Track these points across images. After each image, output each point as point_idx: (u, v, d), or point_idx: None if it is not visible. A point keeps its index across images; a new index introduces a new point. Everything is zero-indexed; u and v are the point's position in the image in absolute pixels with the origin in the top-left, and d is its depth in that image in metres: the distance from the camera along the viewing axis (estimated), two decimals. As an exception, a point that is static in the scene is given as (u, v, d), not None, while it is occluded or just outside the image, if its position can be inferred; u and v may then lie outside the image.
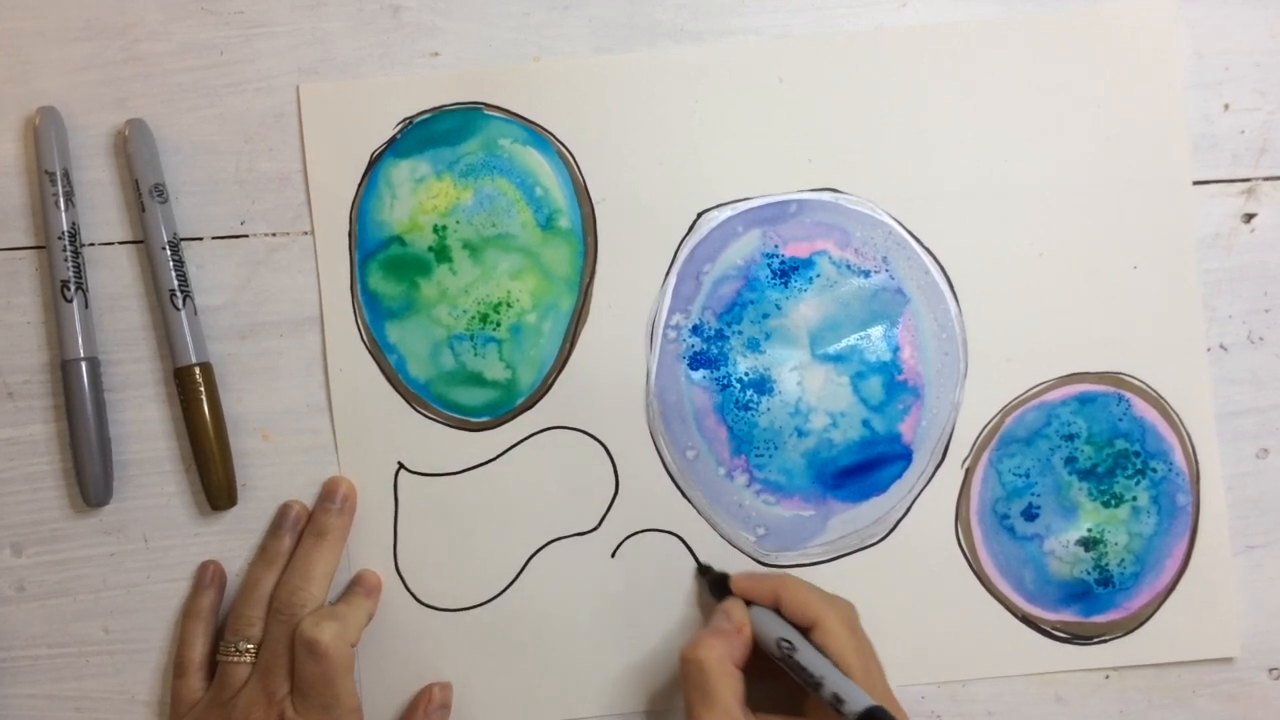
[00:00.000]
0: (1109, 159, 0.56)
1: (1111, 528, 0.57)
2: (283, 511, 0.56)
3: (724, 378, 0.57)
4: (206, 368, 0.56)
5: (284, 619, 0.53)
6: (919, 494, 0.57)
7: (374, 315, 0.57)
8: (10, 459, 0.57)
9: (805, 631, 0.51)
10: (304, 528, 0.56)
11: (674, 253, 0.57)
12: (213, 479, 0.55)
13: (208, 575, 0.56)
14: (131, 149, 0.55)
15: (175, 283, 0.55)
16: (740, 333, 0.56)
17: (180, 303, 0.55)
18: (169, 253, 0.55)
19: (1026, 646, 0.57)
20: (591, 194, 0.57)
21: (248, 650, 0.53)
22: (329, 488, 0.56)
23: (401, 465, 0.57)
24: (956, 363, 0.57)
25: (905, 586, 0.56)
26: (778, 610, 0.52)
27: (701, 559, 0.56)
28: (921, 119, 0.56)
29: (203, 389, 0.55)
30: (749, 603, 0.53)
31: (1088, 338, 0.57)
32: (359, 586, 0.56)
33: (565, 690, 0.57)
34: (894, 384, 0.56)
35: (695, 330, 0.57)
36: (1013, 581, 0.57)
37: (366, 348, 0.57)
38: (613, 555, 0.57)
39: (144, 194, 0.55)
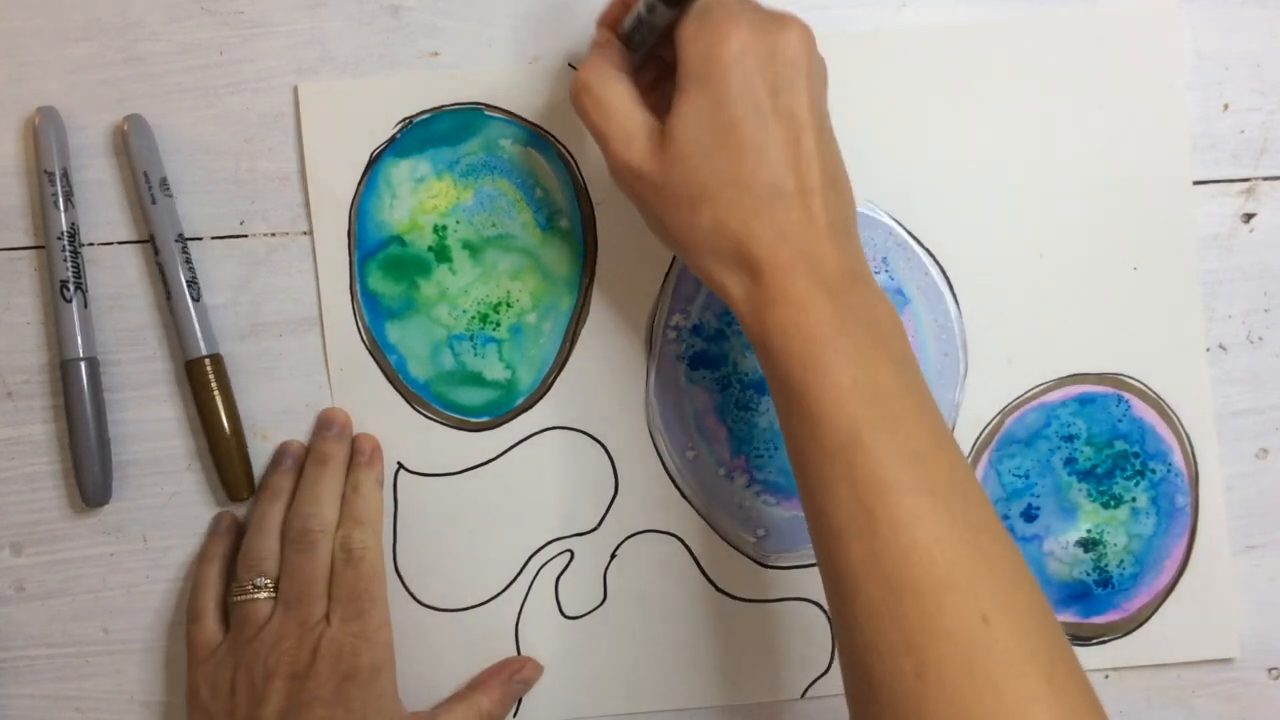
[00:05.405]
0: (1109, 159, 0.56)
1: (1111, 529, 0.57)
2: (282, 449, 0.56)
3: (724, 378, 0.57)
4: (217, 359, 0.55)
5: (303, 546, 0.52)
6: (919, 494, 0.57)
7: (374, 315, 0.56)
8: (10, 459, 0.57)
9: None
10: (304, 461, 0.56)
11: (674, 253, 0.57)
12: (231, 470, 0.55)
13: (223, 524, 0.56)
14: (133, 144, 0.55)
15: (191, 274, 0.55)
16: (740, 333, 0.56)
17: (197, 294, 0.55)
18: (181, 245, 0.55)
19: (1026, 647, 0.57)
20: (591, 195, 0.56)
21: (266, 585, 0.53)
22: (325, 417, 0.56)
23: (401, 465, 0.57)
24: (956, 363, 0.57)
25: (905, 587, 0.56)
26: None
27: (698, 553, 0.57)
28: (921, 119, 0.56)
29: (214, 380, 0.55)
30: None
31: (1088, 338, 0.57)
32: (359, 457, 0.55)
33: (564, 690, 0.57)
34: (894, 384, 0.56)
35: (695, 330, 0.57)
36: (1012, 582, 0.57)
37: (366, 348, 0.56)
38: (612, 555, 0.57)
39: (153, 186, 0.55)
